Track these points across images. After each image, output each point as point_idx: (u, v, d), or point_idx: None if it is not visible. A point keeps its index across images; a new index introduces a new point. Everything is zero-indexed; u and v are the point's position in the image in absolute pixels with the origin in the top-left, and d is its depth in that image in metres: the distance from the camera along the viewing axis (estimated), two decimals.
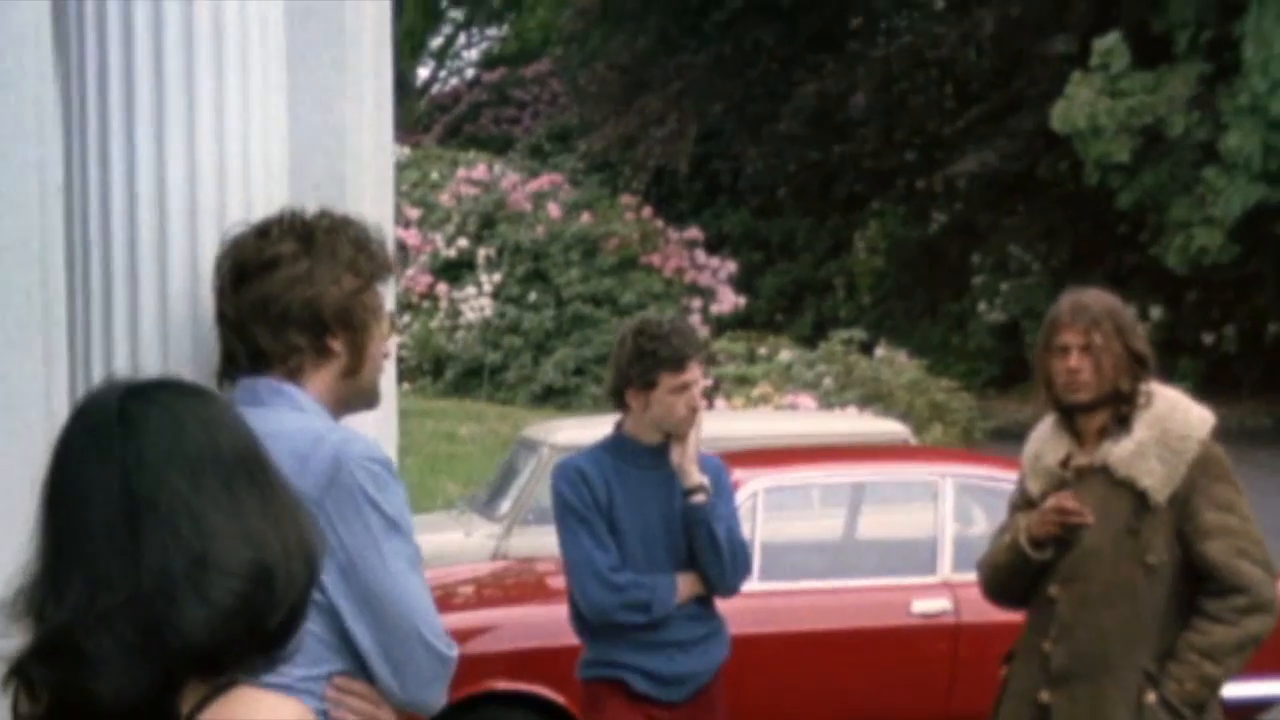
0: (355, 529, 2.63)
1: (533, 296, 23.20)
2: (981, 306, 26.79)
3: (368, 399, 2.89)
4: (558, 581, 7.38)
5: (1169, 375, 19.98)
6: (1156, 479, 4.17)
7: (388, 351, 2.94)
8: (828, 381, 16.82)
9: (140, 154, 2.84)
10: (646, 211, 25.07)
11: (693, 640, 4.69)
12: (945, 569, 6.84)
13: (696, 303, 23.49)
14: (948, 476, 7.00)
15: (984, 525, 7.51)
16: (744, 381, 17.28)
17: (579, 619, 4.75)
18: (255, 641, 1.80)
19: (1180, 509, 4.16)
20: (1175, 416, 4.24)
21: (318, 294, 2.75)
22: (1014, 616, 6.68)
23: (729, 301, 23.88)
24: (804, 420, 10.43)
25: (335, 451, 2.63)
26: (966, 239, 27.86)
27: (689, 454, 4.61)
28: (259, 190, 2.99)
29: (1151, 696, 4.13)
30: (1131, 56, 20.90)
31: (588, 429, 10.33)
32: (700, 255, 24.57)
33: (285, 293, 2.75)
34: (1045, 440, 4.44)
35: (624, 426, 4.73)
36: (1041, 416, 4.51)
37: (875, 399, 15.99)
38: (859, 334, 18.54)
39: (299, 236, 2.79)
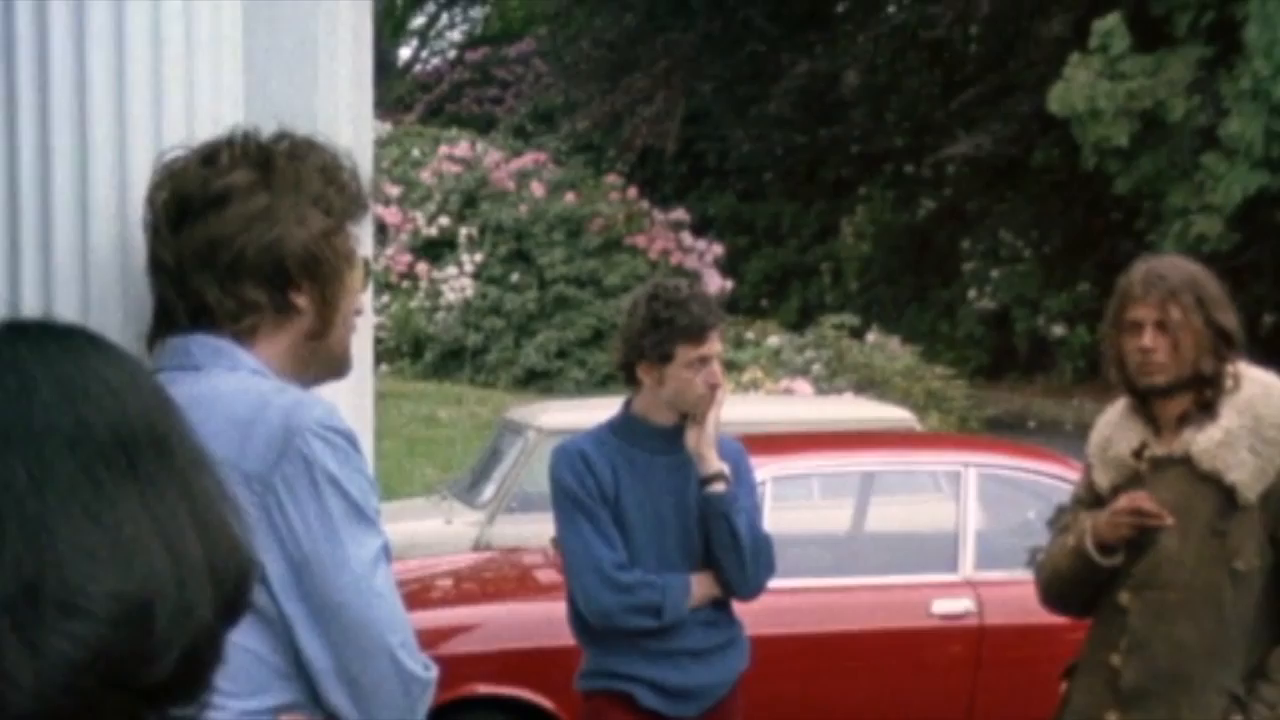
0: (311, 515, 2.06)
1: (515, 277, 22.62)
2: (971, 293, 26.30)
3: (336, 366, 2.33)
4: (546, 575, 6.84)
5: None
6: (1247, 473, 3.63)
7: (360, 308, 2.38)
8: (817, 367, 16.33)
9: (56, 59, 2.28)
10: (631, 192, 24.53)
11: (708, 649, 4.14)
12: (968, 566, 6.29)
13: None
14: (971, 466, 6.45)
15: (1009, 520, 6.98)
16: (733, 366, 16.75)
17: (579, 622, 4.19)
18: (125, 702, 1.22)
19: (1274, 508, 3.63)
20: (1269, 401, 3.70)
21: (279, 237, 2.19)
22: (1043, 619, 6.20)
23: (715, 285, 23.29)
24: (804, 406, 9.87)
25: (285, 417, 2.08)
26: (956, 225, 27.40)
27: (707, 437, 4.06)
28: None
29: None
30: (1131, 39, 20.40)
31: (576, 411, 9.83)
32: (686, 237, 24.03)
33: (239, 235, 2.19)
34: (1116, 427, 3.89)
35: (633, 405, 4.18)
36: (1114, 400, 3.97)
37: (868, 385, 15.50)
38: (850, 319, 18.04)
39: (254, 164, 2.23)
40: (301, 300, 2.23)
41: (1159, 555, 3.69)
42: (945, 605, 6.19)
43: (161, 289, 2.24)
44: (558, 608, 6.26)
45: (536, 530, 8.08)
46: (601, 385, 21.72)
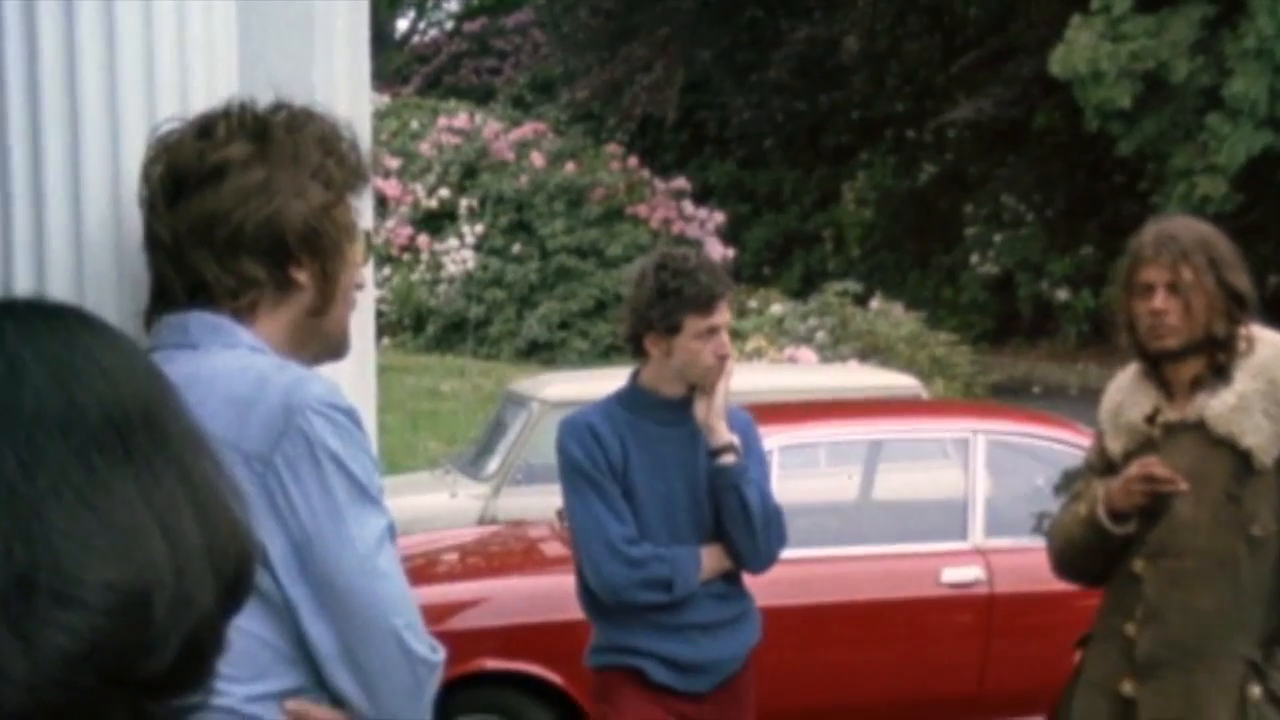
0: (313, 495, 2.02)
1: (516, 248, 22.53)
2: (974, 259, 26.15)
3: (335, 345, 2.27)
4: (553, 548, 6.80)
5: None
6: (1263, 437, 3.58)
7: (361, 282, 2.32)
8: (821, 335, 16.24)
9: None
10: (632, 161, 24.43)
11: (719, 623, 4.10)
12: (977, 534, 6.24)
13: None
14: (979, 433, 6.39)
15: (1018, 487, 6.93)
16: (736, 335, 16.67)
17: (589, 597, 4.14)
18: (124, 694, 1.16)
19: None
20: None
21: (278, 211, 2.14)
22: (1053, 586, 6.16)
23: (718, 253, 23.19)
24: (810, 374, 9.81)
25: (286, 394, 2.03)
26: (957, 190, 27.26)
27: (716, 408, 4.01)
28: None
29: (1256, 690, 3.56)
30: (1133, 0, 20.27)
31: (580, 383, 9.78)
32: (688, 206, 23.94)
33: (236, 209, 2.13)
34: (1128, 392, 3.83)
35: (641, 377, 4.12)
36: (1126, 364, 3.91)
37: (873, 352, 15.42)
38: (854, 286, 17.94)
39: (252, 136, 2.17)
40: (301, 276, 2.17)
41: (1174, 522, 3.64)
42: (955, 574, 6.14)
43: (158, 265, 2.19)
44: (565, 581, 6.22)
45: (542, 503, 8.04)
46: (604, 356, 21.66)
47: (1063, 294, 24.33)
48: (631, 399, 4.10)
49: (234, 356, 2.07)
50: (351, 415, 2.08)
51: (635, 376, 4.14)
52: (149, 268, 2.22)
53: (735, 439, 4.03)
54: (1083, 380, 23.14)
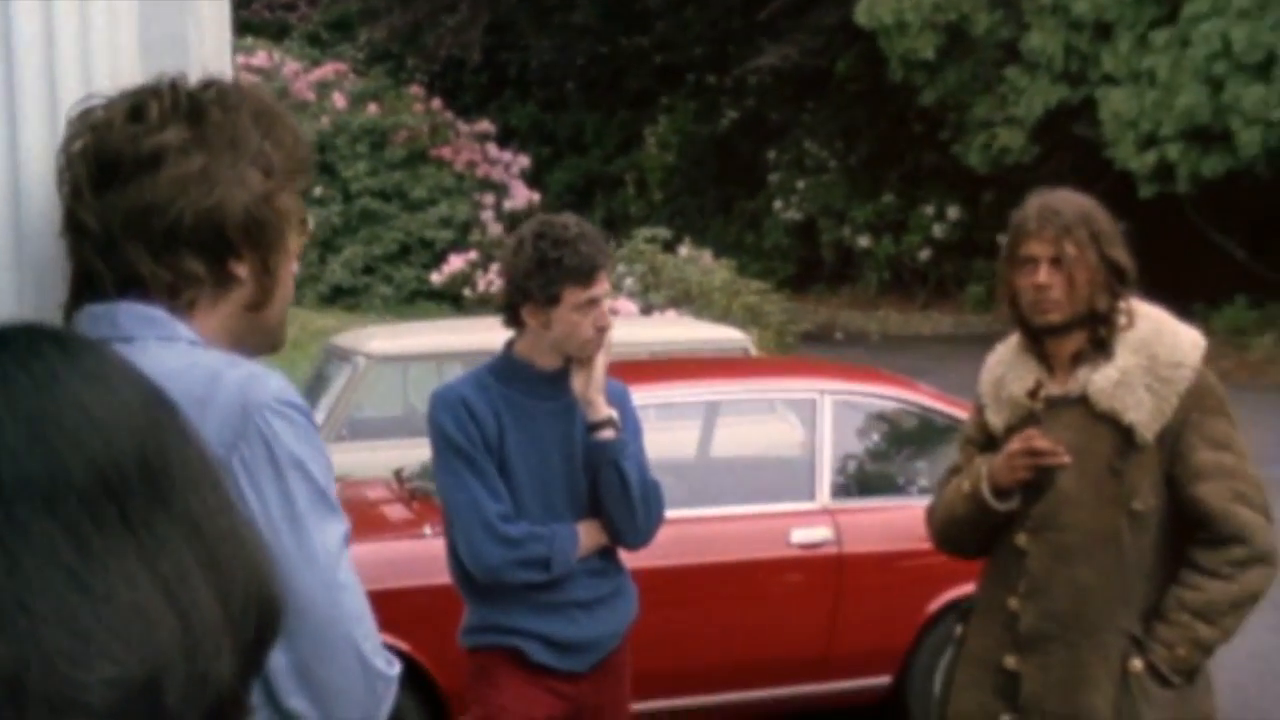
0: (272, 503, 1.87)
1: (318, 191, 22.05)
2: (777, 204, 26.37)
3: (272, 339, 2.12)
4: (393, 511, 6.64)
5: (965, 276, 19.74)
6: (1145, 412, 3.59)
7: (296, 270, 2.17)
8: (630, 282, 16.18)
9: None
10: (435, 103, 24.08)
11: (597, 600, 4.00)
12: (825, 495, 6.24)
13: (489, 198, 22.63)
14: (826, 394, 6.38)
15: (862, 446, 6.96)
16: None
17: (462, 575, 4.00)
18: None
19: (1171, 447, 3.59)
20: (1164, 339, 3.66)
21: (218, 202, 1.97)
22: (900, 546, 6.22)
23: (522, 197, 23.05)
24: (634, 327, 9.69)
25: (241, 393, 1.88)
26: (759, 136, 27.41)
27: (595, 381, 3.90)
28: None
29: (1137, 663, 3.58)
30: None
31: (405, 337, 9.61)
32: (492, 149, 23.70)
33: (174, 201, 1.96)
34: (1009, 366, 3.82)
35: (515, 347, 3.99)
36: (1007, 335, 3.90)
37: (685, 300, 15.41)
38: (663, 232, 17.90)
39: (187, 118, 2.00)
40: (241, 270, 2.02)
41: (1057, 497, 3.65)
42: (804, 534, 6.13)
43: (84, 255, 2.01)
44: (408, 547, 6.11)
45: (370, 459, 7.87)
46: (409, 301, 21.40)
47: (864, 241, 24.67)
48: (506, 370, 3.97)
49: (173, 352, 1.91)
50: (307, 413, 1.94)
51: (509, 347, 4.01)
52: (71, 256, 2.04)
53: (615, 413, 3.94)
54: (883, 327, 23.54)
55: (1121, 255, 3.71)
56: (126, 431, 1.09)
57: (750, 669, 6.11)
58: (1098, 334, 3.67)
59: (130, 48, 2.29)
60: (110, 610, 1.01)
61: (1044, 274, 3.64)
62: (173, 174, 1.95)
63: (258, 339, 2.08)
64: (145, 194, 1.95)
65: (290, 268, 2.09)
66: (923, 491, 6.42)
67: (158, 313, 1.97)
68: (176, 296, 1.97)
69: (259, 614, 1.16)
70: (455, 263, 20.65)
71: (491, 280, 19.70)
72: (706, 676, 6.07)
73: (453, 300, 20.58)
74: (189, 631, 1.06)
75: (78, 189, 1.98)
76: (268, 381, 1.91)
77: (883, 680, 6.29)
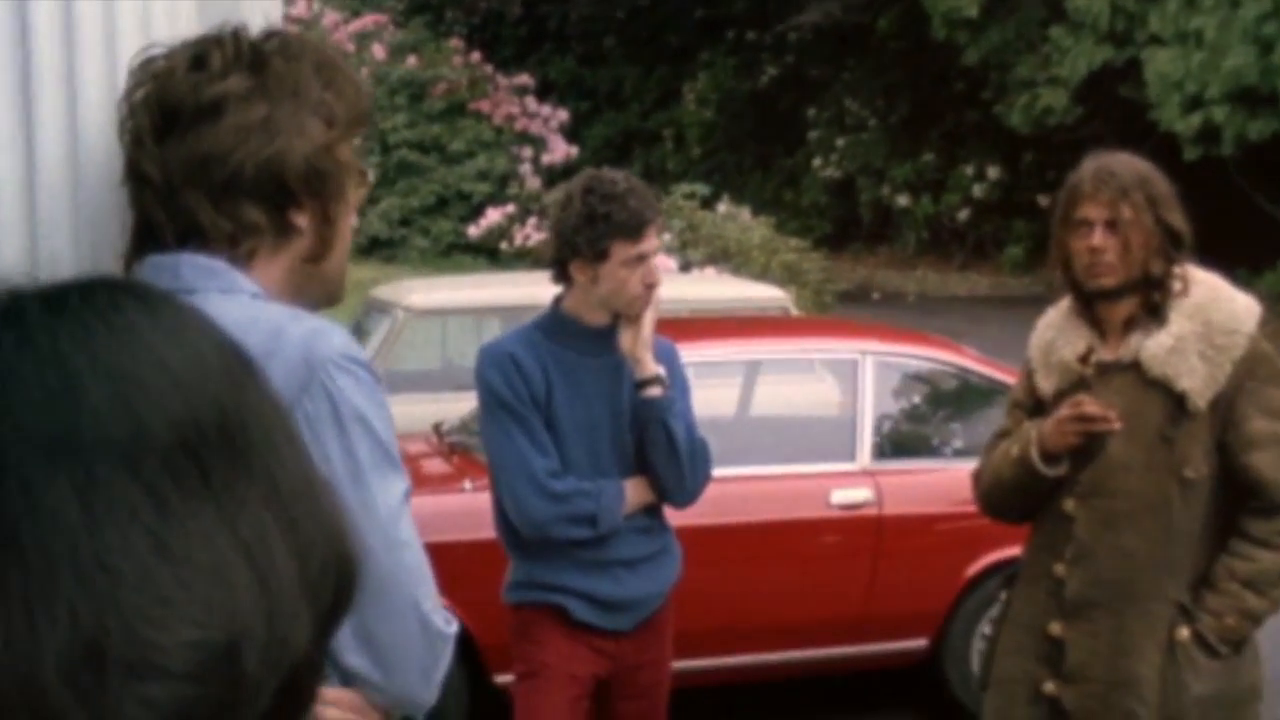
0: (335, 458, 1.87)
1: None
2: (816, 162, 26.26)
3: (333, 292, 2.11)
4: (432, 465, 6.64)
5: (1004, 237, 19.58)
6: (1198, 379, 3.55)
7: (355, 223, 2.16)
8: (668, 237, 16.15)
9: None
10: (474, 56, 24.03)
11: (642, 558, 3.99)
12: (865, 457, 6.22)
13: (527, 152, 22.62)
14: (868, 354, 6.34)
15: (904, 408, 6.93)
16: None
17: (508, 531, 4.00)
18: None
19: (1223, 415, 3.55)
20: (1219, 306, 3.61)
21: (279, 151, 1.96)
22: (940, 508, 6.19)
23: (561, 151, 23.03)
24: (674, 284, 9.63)
25: (306, 347, 1.88)
26: (799, 93, 27.29)
27: (644, 338, 3.87)
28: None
29: (1184, 632, 3.56)
30: None
31: (445, 290, 9.58)
32: (531, 103, 23.66)
33: (235, 150, 1.95)
34: (1060, 330, 3.78)
35: (563, 303, 3.97)
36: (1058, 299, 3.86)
37: (723, 258, 15.37)
38: (701, 189, 17.84)
39: (249, 67, 1.98)
40: (302, 220, 2.00)
41: (1107, 462, 3.61)
42: (844, 495, 6.11)
43: (144, 205, 2.00)
44: (448, 501, 6.10)
45: (410, 411, 7.85)
46: (445, 254, 21.40)
47: (903, 200, 24.56)
48: (554, 326, 3.95)
49: (236, 304, 1.90)
50: (371, 369, 1.93)
51: (557, 303, 3.99)
52: (133, 206, 2.03)
53: (662, 370, 3.91)
54: (920, 287, 23.43)
55: (1178, 220, 3.66)
56: (207, 390, 1.06)
57: (787, 629, 6.10)
58: (1151, 299, 3.63)
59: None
60: (190, 572, 0.98)
61: (1099, 237, 3.60)
62: (234, 122, 1.93)
63: (318, 291, 2.07)
64: (206, 142, 1.93)
65: (349, 220, 2.08)
66: (963, 454, 6.39)
67: (219, 264, 1.95)
68: (237, 246, 1.96)
69: (336, 577, 1.14)
70: (492, 216, 20.65)
71: (529, 234, 19.68)
72: (742, 636, 6.06)
73: (489, 254, 20.59)
74: (268, 595, 1.03)
75: (139, 138, 1.97)
76: (332, 336, 1.90)
77: (920, 643, 6.27)
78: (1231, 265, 3.76)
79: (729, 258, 15.31)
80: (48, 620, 0.93)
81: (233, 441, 1.07)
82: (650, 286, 3.85)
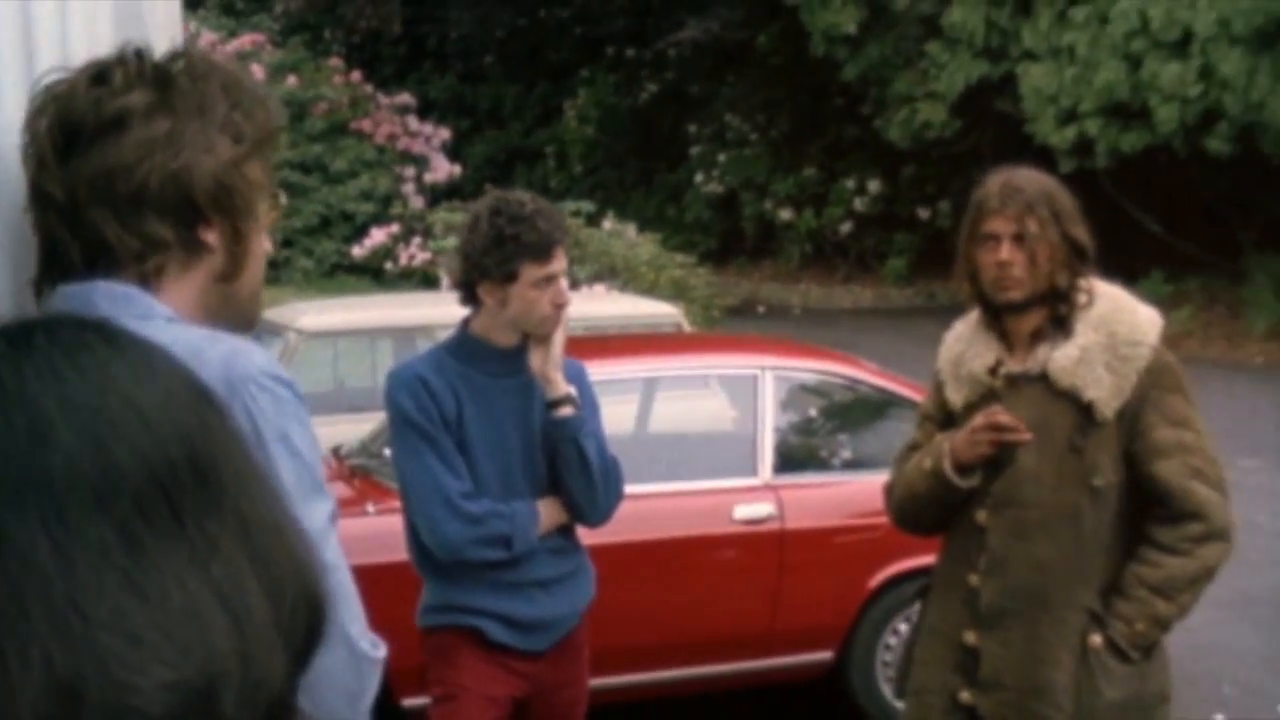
0: None
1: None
2: (699, 178, 26.37)
3: (247, 315, 2.07)
4: (337, 489, 6.56)
5: (886, 249, 19.84)
6: (1105, 389, 3.60)
7: (268, 246, 2.12)
8: None
9: None
10: (354, 75, 23.87)
11: (557, 579, 3.97)
12: (767, 471, 6.24)
13: (410, 171, 22.51)
14: (767, 370, 6.37)
15: (803, 423, 6.97)
16: None
17: (421, 554, 3.96)
18: None
19: (1130, 425, 3.61)
20: (1122, 318, 3.68)
21: (185, 166, 1.91)
22: (842, 521, 6.23)
23: (443, 170, 22.95)
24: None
25: (225, 368, 1.83)
26: (680, 109, 27.41)
27: (554, 358, 3.87)
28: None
29: (1096, 639, 3.61)
30: None
31: (335, 312, 9.49)
32: (412, 121, 23.56)
33: (140, 163, 1.90)
34: (969, 342, 3.83)
35: (472, 325, 3.94)
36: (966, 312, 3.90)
37: (610, 275, 15.37)
38: (587, 206, 17.86)
39: (152, 84, 1.94)
40: (210, 237, 1.96)
41: (1017, 473, 3.66)
42: (747, 510, 6.13)
43: (50, 226, 1.95)
44: (350, 525, 6.03)
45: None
46: (329, 275, 21.22)
47: (786, 214, 24.72)
48: (462, 348, 3.93)
49: (153, 329, 1.85)
50: (293, 388, 1.89)
51: (466, 324, 3.96)
52: (37, 230, 1.98)
53: (573, 390, 3.90)
54: (805, 300, 23.62)
55: (1082, 234, 3.73)
56: (177, 427, 1.04)
57: (693, 645, 6.10)
58: (1058, 312, 3.68)
59: (106, 21, 2.24)
60: (164, 613, 0.96)
61: (1006, 251, 3.65)
62: (138, 136, 1.89)
63: (231, 313, 2.02)
64: (110, 157, 1.89)
65: (262, 240, 2.04)
66: (864, 467, 6.43)
67: (133, 290, 1.91)
68: (143, 262, 1.91)
69: (307, 614, 1.12)
70: (376, 236, 20.52)
71: (413, 254, 19.57)
72: (648, 653, 6.05)
73: (374, 274, 20.44)
74: (243, 635, 1.01)
75: (42, 159, 1.93)
76: (252, 355, 1.87)
77: (825, 656, 6.31)
78: (1108, 275, 3.83)
79: (616, 275, 15.32)
80: (20, 663, 0.91)
81: (204, 479, 1.05)
82: (559, 306, 3.84)
